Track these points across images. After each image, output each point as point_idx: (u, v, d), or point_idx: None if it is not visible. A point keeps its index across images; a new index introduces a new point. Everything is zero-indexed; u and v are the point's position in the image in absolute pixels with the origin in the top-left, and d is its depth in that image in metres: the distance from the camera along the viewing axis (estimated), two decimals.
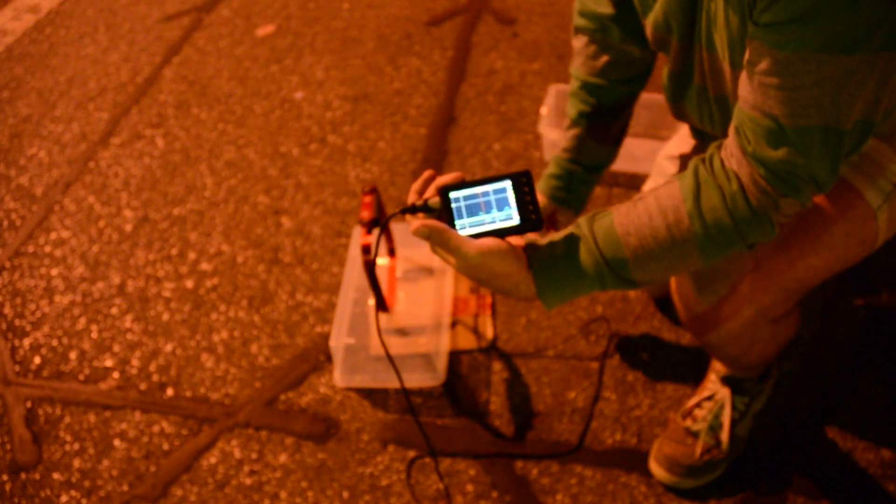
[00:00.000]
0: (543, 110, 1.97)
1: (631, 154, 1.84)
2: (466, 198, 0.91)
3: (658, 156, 1.47)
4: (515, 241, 0.94)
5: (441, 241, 0.89)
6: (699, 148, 1.36)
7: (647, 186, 1.52)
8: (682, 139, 1.43)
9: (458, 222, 0.91)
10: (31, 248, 1.98)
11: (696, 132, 1.31)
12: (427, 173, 0.94)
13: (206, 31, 2.59)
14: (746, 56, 0.86)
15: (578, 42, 1.27)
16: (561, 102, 2.04)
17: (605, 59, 1.24)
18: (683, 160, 1.39)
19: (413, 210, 0.92)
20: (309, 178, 2.06)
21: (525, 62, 2.31)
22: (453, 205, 0.91)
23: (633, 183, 1.91)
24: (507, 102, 2.19)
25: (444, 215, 0.91)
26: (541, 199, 1.35)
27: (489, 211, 0.91)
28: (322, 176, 2.06)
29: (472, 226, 0.91)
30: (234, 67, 2.43)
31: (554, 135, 1.93)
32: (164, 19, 2.68)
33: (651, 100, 1.91)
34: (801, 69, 0.80)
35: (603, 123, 1.30)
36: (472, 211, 0.91)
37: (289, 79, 2.37)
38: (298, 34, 2.53)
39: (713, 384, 1.42)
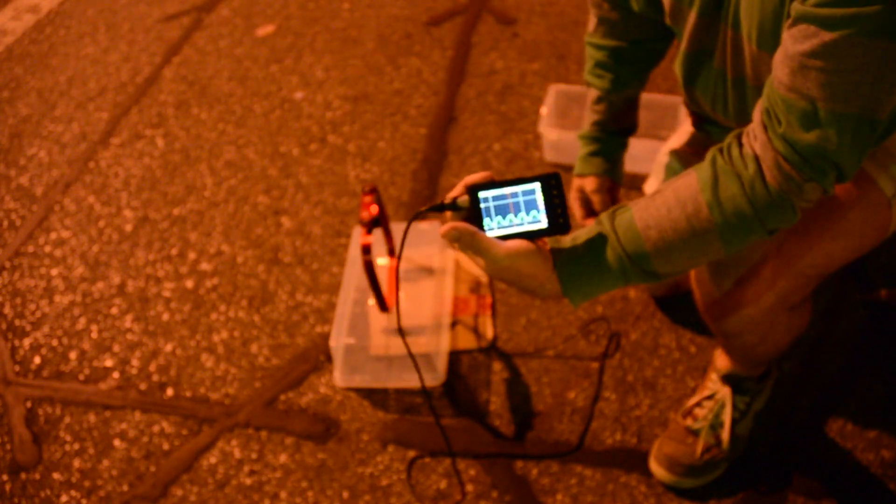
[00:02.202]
0: (543, 110, 1.97)
1: (631, 154, 1.83)
2: (495, 198, 0.91)
3: (658, 154, 1.47)
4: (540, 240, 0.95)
5: (470, 244, 0.89)
6: (699, 142, 1.37)
7: (648, 185, 1.52)
8: (681, 136, 1.43)
9: (486, 223, 0.91)
10: (31, 248, 1.98)
11: (701, 124, 1.31)
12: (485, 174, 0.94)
13: (206, 31, 2.59)
14: (787, 36, 0.85)
15: (600, 10, 1.29)
16: (561, 102, 2.04)
17: (629, 22, 1.26)
18: (678, 155, 1.40)
19: (441, 208, 0.92)
20: (309, 178, 2.06)
21: (525, 62, 2.31)
22: (482, 205, 0.91)
23: (634, 183, 1.91)
24: (507, 102, 2.19)
25: (471, 214, 0.92)
26: (591, 182, 1.37)
27: (517, 213, 0.91)
28: (322, 176, 2.06)
29: (500, 227, 0.91)
30: (234, 67, 2.43)
31: (554, 135, 1.93)
32: (164, 19, 2.68)
33: (651, 100, 1.92)
34: (847, 53, 0.80)
35: (632, 85, 1.34)
36: (501, 212, 0.91)
37: (289, 79, 2.37)
38: (298, 34, 2.53)
39: (713, 383, 1.42)
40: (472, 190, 0.91)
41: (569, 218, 0.92)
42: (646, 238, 0.92)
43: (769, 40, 0.92)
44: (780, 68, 0.86)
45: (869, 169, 1.06)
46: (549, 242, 0.95)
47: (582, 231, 0.96)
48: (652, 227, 0.92)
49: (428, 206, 0.93)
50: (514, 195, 0.91)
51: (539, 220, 0.91)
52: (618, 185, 1.40)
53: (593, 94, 1.35)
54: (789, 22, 0.84)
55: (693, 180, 0.92)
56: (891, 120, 0.87)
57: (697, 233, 0.91)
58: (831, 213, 1.07)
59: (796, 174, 0.87)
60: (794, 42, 0.83)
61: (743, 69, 1.03)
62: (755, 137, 0.89)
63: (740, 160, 0.90)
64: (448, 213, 0.93)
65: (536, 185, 0.91)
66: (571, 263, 0.93)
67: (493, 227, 0.91)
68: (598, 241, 0.94)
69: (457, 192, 0.92)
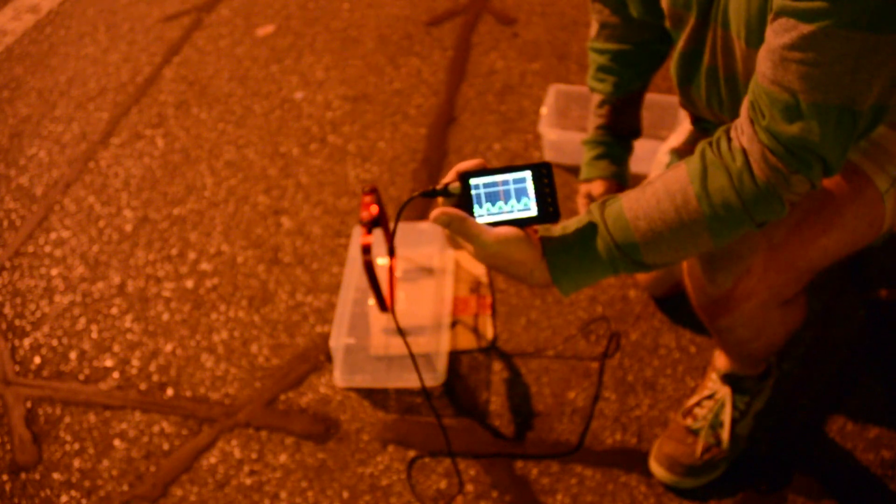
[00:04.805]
0: (543, 110, 1.97)
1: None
2: (486, 185, 0.92)
3: (658, 154, 1.47)
4: (530, 228, 0.95)
5: (460, 229, 0.90)
6: (697, 140, 1.37)
7: None
8: (680, 135, 1.44)
9: (476, 209, 0.92)
10: (31, 248, 1.98)
11: (699, 123, 1.32)
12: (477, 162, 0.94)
13: (206, 31, 2.59)
14: (769, 30, 0.86)
15: (601, 15, 1.30)
16: (561, 102, 2.04)
17: (630, 26, 1.28)
18: (678, 154, 1.40)
19: (433, 194, 0.93)
20: (309, 178, 2.06)
21: (525, 62, 2.31)
22: (473, 192, 0.92)
23: (634, 183, 1.91)
24: (507, 102, 2.19)
25: (462, 201, 0.92)
26: (598, 186, 1.38)
27: (508, 200, 0.92)
28: (322, 176, 2.06)
29: (490, 214, 0.92)
30: (234, 67, 2.43)
31: (554, 135, 1.93)
32: (164, 19, 2.68)
33: (651, 100, 1.91)
34: (825, 44, 0.81)
35: (635, 87, 1.35)
36: (491, 199, 0.92)
37: (289, 79, 2.37)
38: (298, 34, 2.53)
39: (713, 383, 1.42)
40: (464, 177, 0.92)
41: (558, 207, 0.93)
42: (635, 228, 0.93)
43: (757, 38, 0.93)
44: (762, 62, 0.87)
45: (865, 166, 1.07)
46: (539, 230, 0.95)
47: (572, 220, 0.97)
48: (641, 218, 0.93)
49: (420, 191, 0.94)
50: (506, 183, 0.92)
51: (529, 208, 0.92)
52: (625, 188, 1.40)
53: (596, 98, 1.36)
54: (771, 16, 0.86)
55: (682, 172, 0.93)
56: (874, 112, 0.88)
57: (686, 224, 0.92)
58: (825, 207, 1.08)
59: (783, 166, 0.88)
60: (775, 35, 0.85)
61: (734, 67, 1.04)
62: (742, 131, 0.91)
63: (728, 153, 0.91)
64: (440, 199, 0.94)
65: (527, 174, 0.92)
66: (561, 252, 0.94)
67: (484, 214, 0.92)
68: (588, 230, 0.95)
69: (449, 178, 0.93)
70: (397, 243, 1.80)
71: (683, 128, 1.44)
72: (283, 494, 1.47)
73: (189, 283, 1.85)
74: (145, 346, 1.74)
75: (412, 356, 1.23)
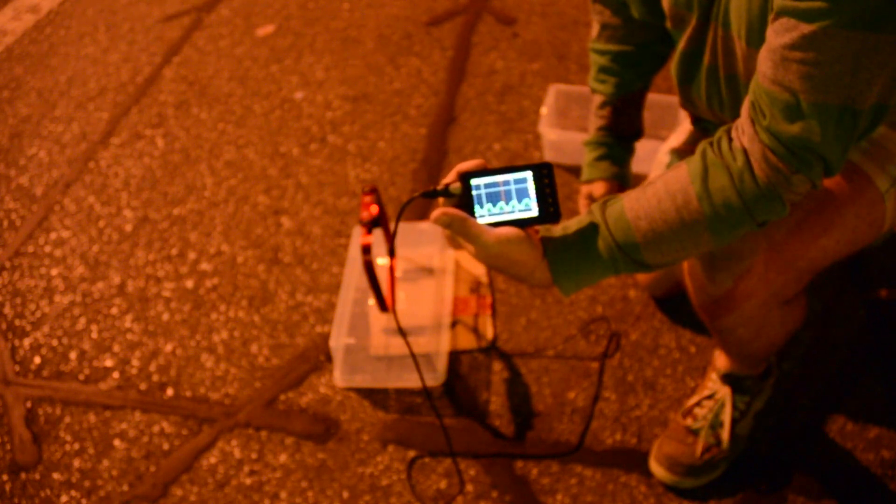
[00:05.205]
0: (543, 110, 1.97)
1: None
2: (487, 185, 0.92)
3: (658, 154, 1.47)
4: (531, 228, 0.95)
5: (461, 230, 0.91)
6: (698, 140, 1.37)
7: None
8: (680, 135, 1.44)
9: (477, 210, 0.92)
10: (31, 248, 1.98)
11: (699, 123, 1.33)
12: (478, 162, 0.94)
13: (206, 31, 2.59)
14: (770, 30, 0.87)
15: (602, 16, 1.31)
16: (561, 102, 2.04)
17: (631, 27, 1.28)
18: (678, 154, 1.40)
19: (433, 195, 0.93)
20: (309, 178, 2.06)
21: (525, 62, 2.31)
22: (474, 192, 0.92)
23: (634, 183, 1.91)
24: (507, 102, 2.19)
25: (463, 201, 0.92)
26: (600, 187, 1.38)
27: (509, 201, 0.92)
28: (322, 176, 2.06)
29: (491, 214, 0.92)
30: (234, 67, 2.43)
31: (554, 135, 1.93)
32: (164, 19, 2.68)
33: (651, 100, 1.91)
34: (825, 44, 0.81)
35: (636, 88, 1.36)
36: (492, 199, 0.92)
37: (289, 79, 2.37)
38: (298, 34, 2.53)
39: (713, 383, 1.42)
40: (465, 177, 0.92)
41: (559, 207, 0.92)
42: (636, 228, 0.93)
43: (758, 37, 0.94)
44: (763, 62, 0.88)
45: (865, 166, 1.07)
46: (540, 231, 0.96)
47: (573, 220, 0.97)
48: (642, 218, 0.93)
49: (420, 192, 0.94)
50: (506, 183, 0.92)
51: (530, 208, 0.92)
52: (627, 189, 1.40)
53: (598, 99, 1.36)
54: (772, 16, 0.86)
55: (683, 172, 0.93)
56: (875, 112, 0.89)
57: (687, 224, 0.92)
58: (825, 207, 1.08)
59: (784, 166, 0.88)
60: (776, 35, 0.85)
61: (735, 67, 1.04)
62: (743, 131, 0.91)
63: (729, 153, 0.91)
64: (440, 200, 0.94)
65: (528, 174, 0.92)
66: (562, 252, 0.95)
67: (485, 215, 0.92)
68: (589, 230, 0.95)
69: (449, 178, 0.93)
70: (397, 243, 1.80)
71: (683, 128, 1.44)
72: (283, 494, 1.47)
73: (189, 283, 1.85)
74: (145, 346, 1.74)
75: (413, 356, 1.23)
